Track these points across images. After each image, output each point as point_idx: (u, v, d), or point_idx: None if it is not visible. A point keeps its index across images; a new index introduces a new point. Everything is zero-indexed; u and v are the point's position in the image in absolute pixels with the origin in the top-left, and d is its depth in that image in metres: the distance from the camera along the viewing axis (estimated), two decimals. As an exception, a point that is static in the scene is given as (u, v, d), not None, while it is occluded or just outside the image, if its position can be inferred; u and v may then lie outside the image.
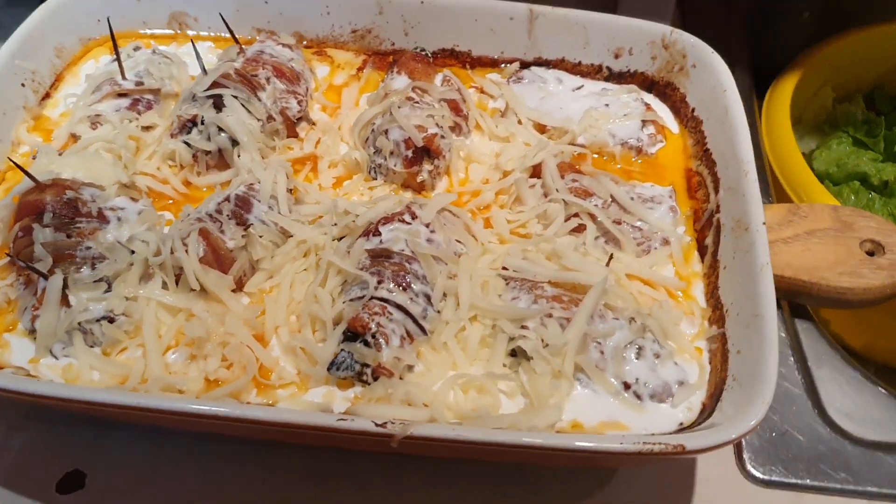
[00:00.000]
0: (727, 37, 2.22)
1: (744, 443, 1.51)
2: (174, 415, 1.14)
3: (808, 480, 1.47)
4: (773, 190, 1.94)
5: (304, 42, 1.82)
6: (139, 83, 1.64)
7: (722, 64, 1.63)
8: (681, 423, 1.29)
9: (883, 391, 1.58)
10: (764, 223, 1.39)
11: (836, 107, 2.34)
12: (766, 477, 1.47)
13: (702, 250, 1.51)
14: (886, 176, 2.12)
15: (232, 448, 1.46)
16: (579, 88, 1.75)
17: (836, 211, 1.62)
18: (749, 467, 1.48)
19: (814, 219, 1.60)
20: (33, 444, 1.46)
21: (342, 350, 1.28)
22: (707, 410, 1.29)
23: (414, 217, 1.42)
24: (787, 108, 2.06)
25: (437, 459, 1.46)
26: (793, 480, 1.47)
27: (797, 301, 1.62)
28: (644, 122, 1.67)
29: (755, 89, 2.20)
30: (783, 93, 2.10)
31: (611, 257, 1.40)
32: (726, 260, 1.43)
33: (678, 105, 1.73)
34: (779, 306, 1.63)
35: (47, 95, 1.68)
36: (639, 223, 1.51)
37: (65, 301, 1.31)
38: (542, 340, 1.29)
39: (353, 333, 1.29)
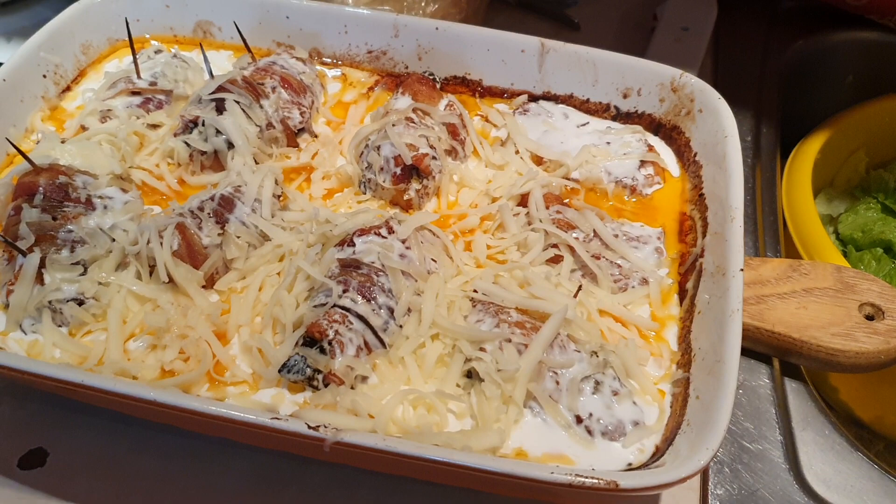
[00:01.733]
0: (758, 95, 2.18)
1: (711, 498, 1.45)
2: (107, 394, 1.16)
3: (771, 545, 1.40)
4: (783, 247, 1.89)
5: (321, 59, 1.86)
6: (153, 83, 1.70)
7: (727, 110, 1.60)
8: (629, 464, 1.25)
9: (866, 460, 1.50)
10: (741, 269, 1.35)
11: (869, 172, 2.28)
12: (728, 533, 1.41)
13: (682, 294, 1.47)
14: (909, 246, 2.05)
15: (192, 443, 1.46)
16: (584, 125, 1.74)
17: (839, 271, 1.57)
18: (711, 522, 1.42)
19: (815, 277, 1.55)
20: (3, 419, 1.49)
21: (296, 353, 1.29)
22: (659, 454, 1.25)
23: (391, 231, 1.42)
24: (809, 167, 2.01)
25: (393, 478, 1.44)
26: (756, 543, 1.40)
27: (787, 359, 1.56)
28: (643, 162, 1.65)
29: (782, 149, 2.15)
30: (808, 152, 2.05)
31: (579, 288, 1.38)
32: (702, 304, 1.39)
33: (682, 149, 1.70)
34: (770, 362, 1.59)
35: (67, 89, 1.76)
36: (619, 260, 1.48)
37: (40, 279, 1.35)
38: (497, 364, 1.28)
39: (311, 339, 1.29)
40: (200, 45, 1.65)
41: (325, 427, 1.14)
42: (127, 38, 1.82)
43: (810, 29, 2.37)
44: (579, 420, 1.28)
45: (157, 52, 1.79)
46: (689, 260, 1.50)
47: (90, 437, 1.47)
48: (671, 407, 1.32)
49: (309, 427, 1.14)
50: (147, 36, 1.86)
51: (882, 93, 2.19)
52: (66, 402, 1.50)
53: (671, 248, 1.54)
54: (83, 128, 1.64)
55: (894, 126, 2.20)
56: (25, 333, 1.35)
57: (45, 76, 1.70)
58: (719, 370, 1.23)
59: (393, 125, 1.57)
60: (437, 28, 1.78)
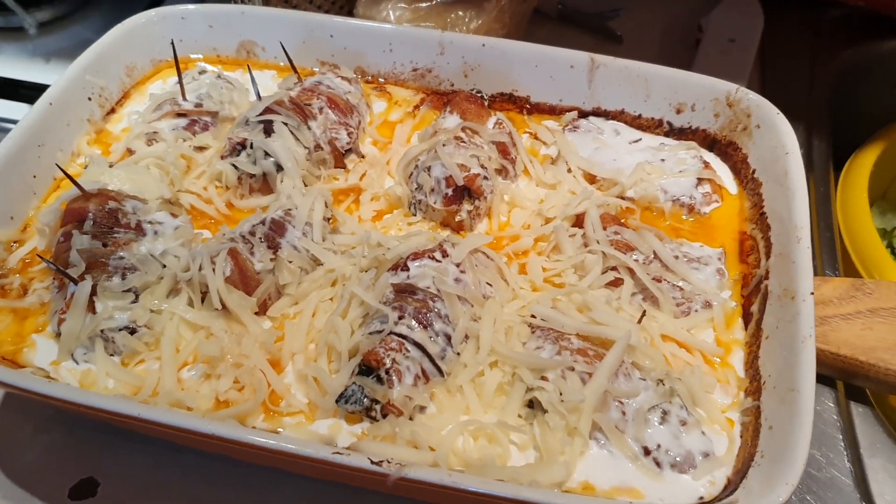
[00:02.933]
0: (808, 106, 2.13)
1: (779, 529, 1.40)
2: (170, 429, 1.14)
3: (845, 578, 1.35)
4: (841, 264, 1.83)
5: (366, 77, 1.83)
6: (199, 105, 1.68)
7: (787, 125, 1.56)
8: (701, 498, 1.20)
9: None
10: (812, 293, 1.30)
11: (923, 184, 2.22)
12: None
13: (746, 317, 1.43)
14: (971, 261, 1.98)
15: (244, 471, 1.43)
16: (637, 142, 1.70)
17: (905, 290, 1.52)
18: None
19: (879, 296, 1.50)
20: (54, 446, 1.47)
21: (353, 383, 1.26)
22: (731, 487, 1.20)
23: (445, 255, 1.39)
24: (865, 181, 1.96)
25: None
26: (828, 576, 1.35)
27: (853, 382, 1.51)
28: (700, 180, 1.60)
29: (834, 161, 2.10)
30: (863, 165, 2.00)
31: (643, 314, 1.34)
32: (769, 329, 1.34)
33: (739, 166, 1.65)
34: (834, 385, 1.53)
35: (112, 111, 1.74)
36: (681, 283, 1.44)
37: (91, 308, 1.33)
38: (561, 394, 1.24)
39: (368, 367, 1.26)
40: (248, 66, 1.62)
41: (389, 462, 1.11)
42: (171, 59, 1.82)
43: (858, 38, 2.32)
44: (647, 451, 1.23)
45: (202, 72, 1.77)
46: (752, 282, 1.45)
47: (141, 466, 1.45)
48: (741, 437, 1.27)
49: (372, 462, 1.11)
50: (192, 56, 1.84)
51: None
52: (116, 430, 1.48)
53: (732, 269, 1.50)
54: (129, 151, 1.62)
55: (949, 136, 2.14)
56: (77, 363, 1.33)
57: (90, 99, 1.68)
58: (793, 400, 1.19)
59: (443, 145, 1.53)
60: (483, 45, 1.74)
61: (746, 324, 1.42)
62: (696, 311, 1.41)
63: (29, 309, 1.40)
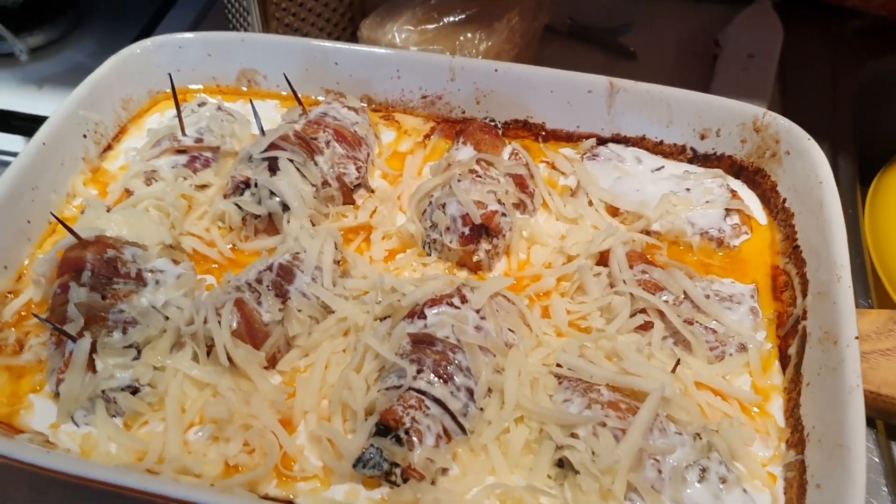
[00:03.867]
0: (831, 122, 2.05)
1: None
2: (170, 500, 1.06)
3: None
4: (873, 293, 1.75)
5: (373, 105, 1.76)
6: (199, 140, 1.60)
7: (819, 152, 1.48)
8: (747, 564, 1.13)
9: None
10: (856, 337, 1.22)
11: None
12: None
13: (783, 360, 1.35)
14: None
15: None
16: (659, 170, 1.62)
17: (943, 323, 1.44)
18: None
19: None
20: (52, 511, 1.39)
21: (371, 445, 1.18)
22: (778, 551, 1.13)
23: (464, 301, 1.31)
24: (895, 201, 1.87)
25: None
26: None
27: (894, 423, 1.43)
28: (728, 210, 1.52)
29: (859, 179, 2.02)
30: (891, 184, 1.91)
31: (677, 363, 1.26)
32: (810, 375, 1.26)
33: (768, 194, 1.58)
34: (873, 426, 1.46)
35: (109, 147, 1.66)
36: (713, 324, 1.36)
37: (91, 366, 1.25)
38: (593, 453, 1.16)
39: (386, 427, 1.18)
40: (251, 101, 1.54)
41: (415, 544, 1.03)
42: (169, 91, 1.73)
43: (880, 49, 2.23)
44: (686, 513, 1.16)
45: (202, 104, 1.69)
46: (788, 322, 1.37)
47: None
48: (785, 494, 1.19)
49: (396, 545, 1.03)
50: (191, 87, 1.76)
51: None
52: (117, 495, 1.40)
53: (766, 308, 1.42)
54: (128, 191, 1.55)
55: (977, 151, 2.05)
56: (78, 425, 1.25)
57: (85, 136, 1.60)
58: (843, 457, 1.11)
59: (458, 179, 1.45)
60: (496, 70, 1.66)
61: (784, 367, 1.34)
62: (731, 354, 1.33)
63: (25, 367, 1.32)
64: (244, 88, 1.80)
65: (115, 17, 2.44)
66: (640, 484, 1.16)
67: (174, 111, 1.71)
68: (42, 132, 1.51)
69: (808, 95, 2.11)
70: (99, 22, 2.43)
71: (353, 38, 2.01)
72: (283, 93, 1.77)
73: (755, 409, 1.29)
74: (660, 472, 1.18)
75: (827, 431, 1.17)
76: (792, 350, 1.33)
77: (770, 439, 1.25)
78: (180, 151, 1.59)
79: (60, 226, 1.50)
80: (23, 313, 1.39)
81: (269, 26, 1.91)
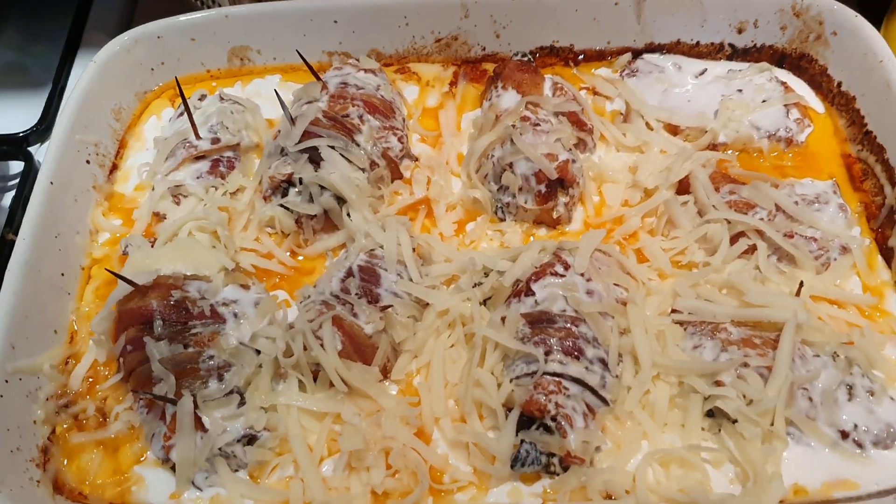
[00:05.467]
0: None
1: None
2: None
3: None
4: None
5: (383, 60, 1.61)
6: (215, 140, 1.44)
7: (871, 29, 1.43)
8: (914, 472, 1.13)
9: None
10: (971, 222, 1.20)
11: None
12: None
13: (885, 253, 1.33)
14: None
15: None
16: (702, 73, 1.54)
17: None
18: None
19: None
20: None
21: (523, 442, 1.13)
22: (942, 453, 1.14)
23: (566, 267, 1.24)
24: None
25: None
26: None
27: None
28: (787, 105, 1.47)
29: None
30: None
31: (800, 286, 1.22)
32: (924, 266, 1.25)
33: (818, 79, 1.52)
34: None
35: (114, 167, 1.50)
36: (810, 232, 1.32)
37: (198, 423, 1.15)
38: (744, 397, 1.13)
39: (529, 418, 1.13)
40: (276, 91, 1.37)
41: (614, 536, 0.99)
42: (156, 88, 1.57)
43: None
44: (845, 435, 1.15)
45: (202, 97, 1.52)
46: (882, 213, 1.35)
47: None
48: (930, 392, 1.20)
49: (596, 541, 0.99)
50: (179, 77, 1.58)
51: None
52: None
53: (850, 201, 1.39)
54: (157, 216, 1.40)
55: None
56: (201, 489, 1.16)
57: (88, 161, 1.43)
58: None
59: (520, 134, 1.35)
60: (512, -1, 1.53)
61: (888, 261, 1.32)
62: (836, 259, 1.31)
63: (118, 438, 1.21)
64: (237, 68, 1.62)
65: (36, 7, 2.16)
66: (795, 417, 1.15)
67: (170, 112, 1.57)
68: (45, 171, 1.34)
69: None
70: (19, 13, 2.15)
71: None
72: (282, 64, 1.60)
73: (875, 312, 1.28)
74: (811, 399, 1.16)
75: (963, 322, 1.16)
76: (893, 241, 1.32)
77: (897, 338, 1.25)
78: (199, 158, 1.44)
79: (95, 270, 1.37)
80: (91, 379, 1.27)
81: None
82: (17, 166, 1.80)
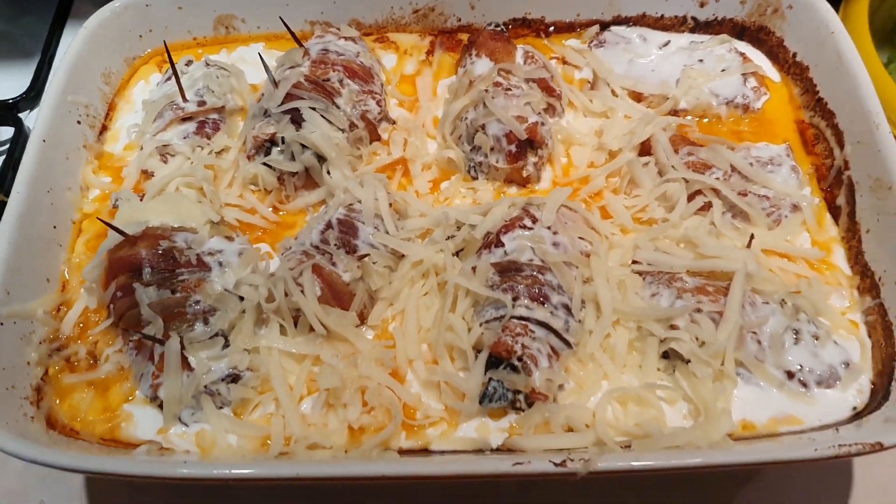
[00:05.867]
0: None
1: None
2: (361, 479, 1.09)
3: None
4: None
5: (363, 29, 1.68)
6: (201, 103, 1.51)
7: (824, 3, 1.51)
8: (854, 408, 1.22)
9: None
10: (911, 179, 1.29)
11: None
12: (924, 439, 1.41)
13: (833, 211, 1.42)
14: (970, 84, 2.01)
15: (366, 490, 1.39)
16: (666, 45, 1.62)
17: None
18: (906, 431, 1.42)
19: None
20: (160, 505, 1.39)
21: (491, 380, 1.20)
22: (879, 391, 1.22)
23: (534, 220, 1.32)
24: (865, 24, 1.91)
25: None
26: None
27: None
28: (745, 74, 1.55)
29: None
30: (859, 8, 1.95)
31: (751, 238, 1.31)
32: (868, 222, 1.34)
33: (776, 50, 1.61)
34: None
35: (104, 128, 1.56)
36: (763, 191, 1.41)
37: (184, 364, 1.22)
38: (697, 339, 1.21)
39: (497, 359, 1.21)
40: (260, 55, 1.44)
41: (572, 460, 1.07)
42: (144, 55, 1.64)
43: None
44: (791, 375, 1.24)
45: (189, 63, 1.59)
46: (830, 174, 1.44)
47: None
48: (870, 337, 1.28)
49: (555, 465, 1.07)
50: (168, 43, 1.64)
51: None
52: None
53: (802, 163, 1.47)
54: (145, 172, 1.46)
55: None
56: (187, 425, 1.23)
57: (79, 122, 1.49)
58: (929, 297, 1.20)
59: (493, 98, 1.43)
60: (487, -30, 1.61)
61: (836, 218, 1.41)
62: (787, 216, 1.39)
63: (108, 379, 1.28)
64: (223, 36, 1.68)
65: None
66: (744, 358, 1.23)
67: (157, 77, 1.63)
68: (38, 129, 1.40)
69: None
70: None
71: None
72: (266, 32, 1.67)
73: (822, 266, 1.36)
74: (759, 343, 1.25)
75: (901, 273, 1.25)
76: (841, 201, 1.40)
77: (842, 290, 1.34)
78: (186, 119, 1.50)
79: (86, 223, 1.43)
80: (81, 325, 1.33)
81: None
82: (7, 132, 1.87)
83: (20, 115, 1.89)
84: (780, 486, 1.38)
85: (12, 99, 1.89)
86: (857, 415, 1.21)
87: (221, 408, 1.24)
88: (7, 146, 1.84)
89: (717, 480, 1.38)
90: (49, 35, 2.05)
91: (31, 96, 1.90)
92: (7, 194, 1.68)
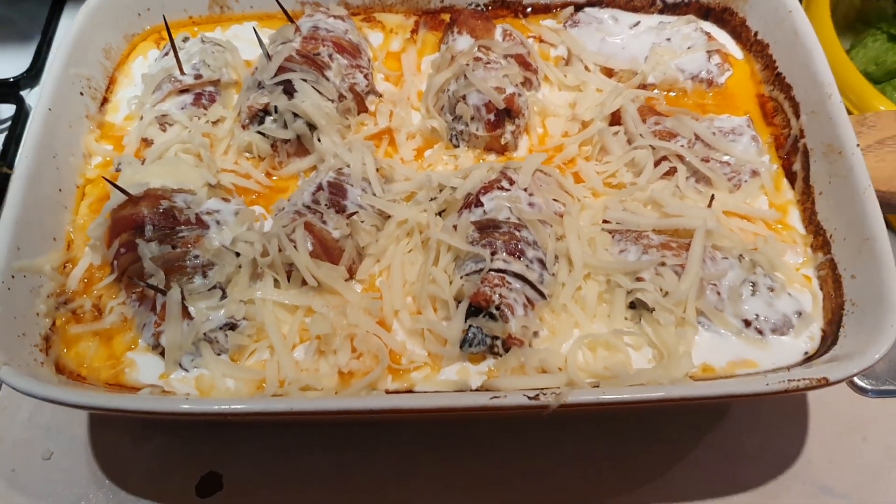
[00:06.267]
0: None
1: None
2: (348, 413, 1.18)
3: (914, 386, 1.53)
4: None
5: (351, 10, 1.77)
6: (198, 76, 1.60)
7: (782, -17, 1.62)
8: (805, 353, 1.32)
9: None
10: (858, 145, 1.39)
11: (864, 3, 2.32)
12: (874, 388, 1.52)
13: (790, 177, 1.52)
14: (927, 71, 2.13)
15: (347, 432, 1.49)
16: (636, 25, 1.73)
17: (903, 116, 1.62)
18: (857, 381, 1.53)
19: (882, 127, 1.60)
20: (162, 452, 1.47)
21: (471, 326, 1.30)
22: (829, 338, 1.33)
23: (511, 182, 1.41)
24: (827, 11, 2.03)
25: (554, 421, 1.49)
26: (899, 387, 1.52)
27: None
28: (709, 52, 1.66)
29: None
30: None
31: (711, 198, 1.41)
32: (821, 185, 1.44)
33: (738, 30, 1.71)
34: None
35: (105, 100, 1.64)
36: (725, 158, 1.51)
37: (185, 313, 1.31)
38: (661, 290, 1.31)
39: (477, 308, 1.30)
40: (254, 28, 1.54)
41: (545, 394, 1.17)
42: (142, 32, 1.72)
43: None
44: (748, 324, 1.34)
45: (185, 39, 1.68)
46: (787, 142, 1.54)
47: (256, 450, 1.47)
48: (822, 290, 1.39)
49: (529, 398, 1.17)
50: (159, 24, 1.72)
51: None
52: (218, 423, 1.49)
53: (762, 133, 1.58)
54: (145, 141, 1.55)
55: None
56: (187, 370, 1.32)
57: (81, 94, 1.57)
58: (872, 248, 1.30)
59: (473, 70, 1.52)
60: (467, -46, 1.71)
61: (792, 183, 1.52)
62: (746, 181, 1.50)
63: (112, 329, 1.36)
64: (217, 14, 1.78)
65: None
66: (705, 308, 1.33)
67: (156, 52, 1.71)
68: (44, 99, 1.48)
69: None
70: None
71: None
72: (259, 12, 1.76)
73: (779, 226, 1.47)
74: (719, 294, 1.35)
75: (850, 230, 1.35)
76: (796, 166, 1.51)
77: (797, 247, 1.44)
78: (183, 91, 1.59)
79: (90, 188, 1.51)
80: (86, 280, 1.41)
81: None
82: (9, 110, 1.95)
83: (21, 93, 1.98)
84: (739, 433, 1.48)
85: (13, 77, 1.97)
86: (808, 359, 1.31)
87: (219, 354, 1.32)
88: (9, 123, 1.92)
89: (680, 430, 1.48)
90: (48, 18, 2.14)
91: (32, 75, 1.99)
92: (10, 166, 1.78)
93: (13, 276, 1.32)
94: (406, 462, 1.45)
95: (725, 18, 1.73)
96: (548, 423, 1.46)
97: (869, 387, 1.53)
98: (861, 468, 1.45)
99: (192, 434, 1.49)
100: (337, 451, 1.47)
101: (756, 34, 1.67)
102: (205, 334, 1.31)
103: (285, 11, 1.61)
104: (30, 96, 1.98)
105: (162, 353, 1.32)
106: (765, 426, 1.48)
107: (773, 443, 1.48)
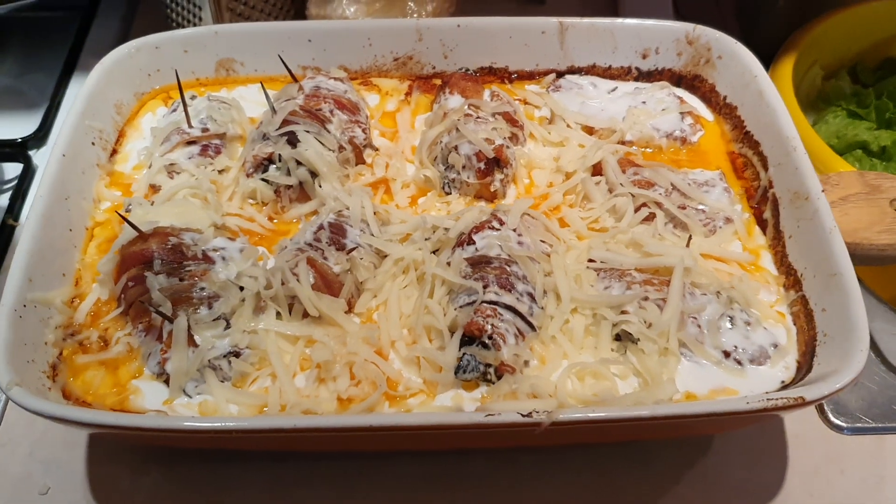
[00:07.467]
0: (721, 26, 2.36)
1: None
2: (349, 431, 1.23)
3: (887, 423, 1.59)
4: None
5: (349, 74, 1.90)
6: (205, 129, 1.70)
7: (747, 52, 1.77)
8: (782, 382, 1.39)
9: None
10: (823, 191, 1.51)
11: (824, 84, 2.49)
12: (849, 425, 1.59)
13: (761, 224, 1.63)
14: (883, 142, 2.27)
15: (343, 463, 1.53)
16: (614, 90, 1.86)
17: (862, 176, 1.74)
18: (832, 419, 1.60)
19: (844, 186, 1.72)
20: (159, 486, 1.49)
21: (464, 354, 1.36)
22: (804, 367, 1.40)
23: (501, 223, 1.50)
24: (790, 88, 2.19)
25: (545, 450, 1.54)
26: (874, 425, 1.59)
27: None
28: (682, 114, 1.79)
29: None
30: (784, 73, 2.23)
31: (689, 238, 1.51)
32: (790, 229, 1.54)
33: (708, 95, 1.85)
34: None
35: (114, 152, 1.73)
36: (700, 206, 1.62)
37: (190, 342, 1.36)
38: (645, 321, 1.39)
39: (470, 337, 1.37)
40: (261, 84, 1.65)
41: (537, 412, 1.22)
42: (152, 91, 1.83)
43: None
44: (727, 354, 1.41)
45: (192, 97, 1.78)
46: (758, 193, 1.65)
47: (254, 484, 1.50)
48: (795, 324, 1.47)
49: (522, 416, 1.22)
50: (169, 85, 1.83)
51: (814, 12, 2.39)
52: (215, 456, 1.52)
53: (734, 186, 1.69)
54: (153, 187, 1.63)
55: (840, 39, 2.41)
56: (191, 397, 1.36)
57: (93, 144, 1.66)
58: (840, 282, 1.39)
59: (464, 124, 1.64)
60: (458, 25, 1.85)
61: (763, 230, 1.62)
62: (721, 227, 1.60)
63: (118, 359, 1.40)
64: (223, 77, 1.89)
65: (34, 37, 2.43)
66: (686, 339, 1.41)
67: (164, 110, 1.81)
68: (59, 146, 1.56)
69: (697, 7, 2.43)
70: (18, 44, 2.42)
71: (297, 17, 2.14)
72: (263, 75, 1.88)
73: (752, 267, 1.56)
74: (699, 326, 1.43)
75: (819, 268, 1.45)
76: (767, 214, 1.62)
77: (770, 286, 1.53)
78: (190, 143, 1.68)
79: (98, 229, 1.59)
80: (92, 313, 1.47)
81: (222, 17, 2.00)
82: (16, 168, 2.04)
83: (29, 152, 2.07)
84: (722, 468, 1.53)
85: (21, 138, 2.07)
86: (785, 387, 1.39)
87: (223, 381, 1.37)
88: (16, 181, 2.01)
89: (665, 463, 1.54)
90: (56, 87, 2.25)
91: (40, 136, 2.08)
92: (16, 219, 1.85)
93: (25, 306, 1.37)
94: (402, 493, 1.49)
95: (696, 85, 1.87)
96: (537, 453, 1.51)
97: (844, 424, 1.60)
98: (840, 500, 1.50)
99: (189, 469, 1.52)
100: (334, 487, 1.50)
101: (725, 98, 1.81)
102: (209, 361, 1.36)
103: (290, 71, 1.73)
104: (37, 156, 2.07)
105: (166, 381, 1.36)
106: (746, 461, 1.54)
107: (755, 476, 1.53)
